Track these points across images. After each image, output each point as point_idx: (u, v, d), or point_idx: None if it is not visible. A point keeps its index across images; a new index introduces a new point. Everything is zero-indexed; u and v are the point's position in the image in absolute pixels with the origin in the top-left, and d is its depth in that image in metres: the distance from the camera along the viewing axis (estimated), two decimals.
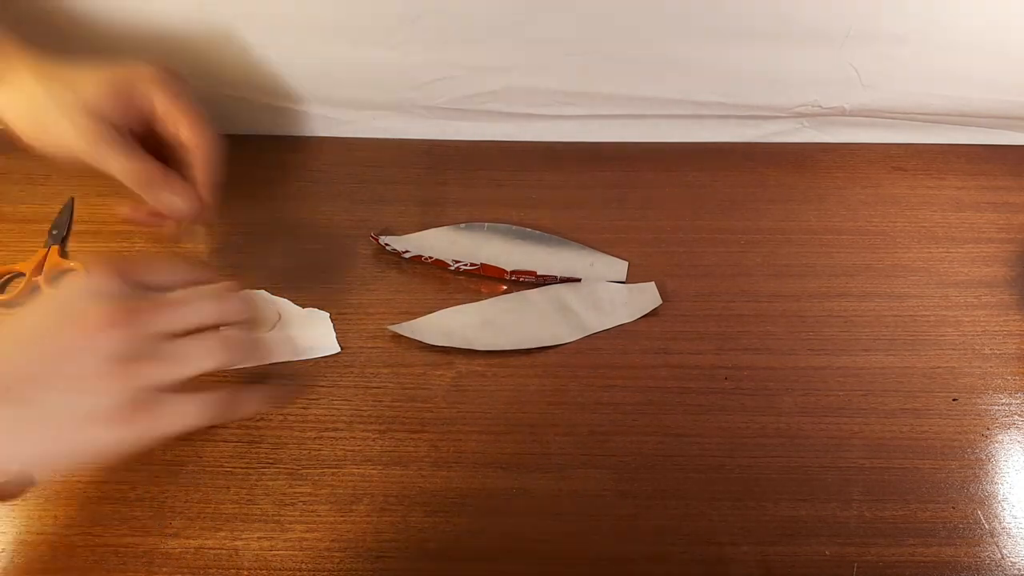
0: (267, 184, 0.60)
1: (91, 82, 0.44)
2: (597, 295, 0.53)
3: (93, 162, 0.44)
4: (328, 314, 0.51)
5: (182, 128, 0.46)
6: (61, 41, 0.54)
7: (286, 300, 0.52)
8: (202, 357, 0.37)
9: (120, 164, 0.44)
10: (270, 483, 0.44)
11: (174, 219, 0.47)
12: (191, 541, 0.42)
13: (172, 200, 0.45)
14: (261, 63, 0.58)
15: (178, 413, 0.37)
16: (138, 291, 0.37)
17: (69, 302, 0.36)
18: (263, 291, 0.52)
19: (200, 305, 0.39)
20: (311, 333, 0.48)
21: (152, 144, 0.46)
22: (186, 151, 0.47)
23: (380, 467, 0.45)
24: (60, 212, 0.57)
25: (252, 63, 0.58)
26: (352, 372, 0.49)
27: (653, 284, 0.54)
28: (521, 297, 0.53)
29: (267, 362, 0.49)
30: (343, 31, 0.56)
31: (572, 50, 0.57)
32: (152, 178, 0.45)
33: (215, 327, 0.38)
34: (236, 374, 0.47)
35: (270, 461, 0.45)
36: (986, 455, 0.46)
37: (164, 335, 0.36)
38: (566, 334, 0.51)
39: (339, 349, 0.50)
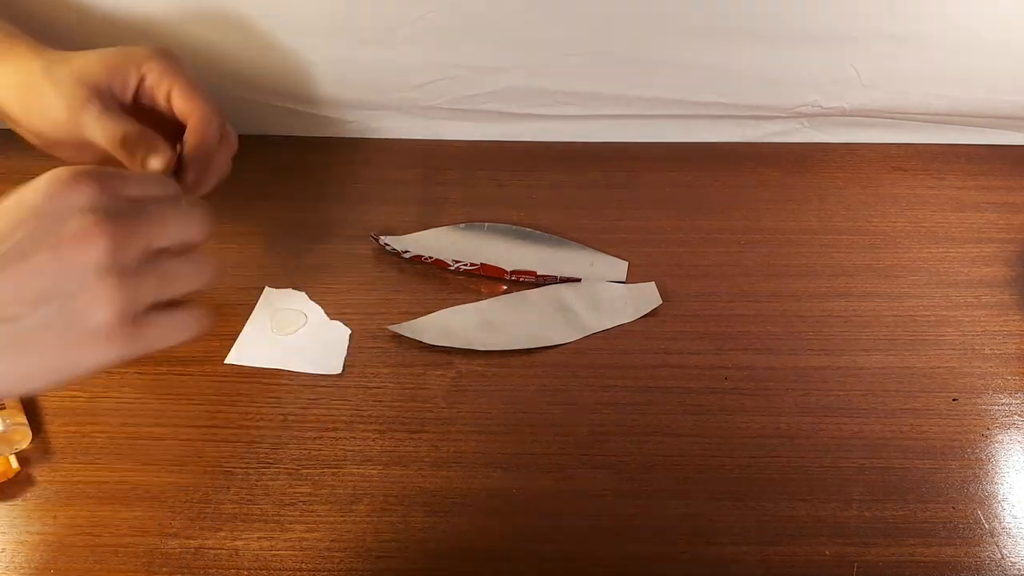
0: (267, 184, 0.60)
1: (88, 57, 0.44)
2: (597, 295, 0.53)
3: (76, 133, 0.43)
4: (349, 331, 0.51)
5: (176, 98, 0.45)
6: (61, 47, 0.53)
7: (317, 306, 0.52)
8: (191, 276, 0.37)
9: (100, 127, 0.43)
10: (270, 483, 0.44)
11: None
12: (191, 541, 0.42)
13: (149, 160, 0.43)
14: (260, 63, 0.58)
15: (169, 328, 0.36)
16: (120, 202, 0.35)
17: (51, 214, 0.33)
18: (302, 292, 0.52)
19: (185, 222, 0.37)
20: (325, 347, 0.47)
21: (150, 123, 0.45)
22: (183, 121, 0.45)
23: (380, 467, 0.45)
24: None
25: (251, 63, 0.58)
26: (352, 372, 0.49)
27: (653, 284, 0.54)
28: (521, 297, 0.53)
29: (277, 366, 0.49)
30: (343, 31, 0.56)
31: (572, 50, 0.57)
32: (128, 137, 0.43)
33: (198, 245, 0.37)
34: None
35: (270, 461, 0.45)
36: (986, 455, 0.46)
37: (151, 251, 0.35)
38: (566, 334, 0.51)
39: (340, 371, 0.49)
